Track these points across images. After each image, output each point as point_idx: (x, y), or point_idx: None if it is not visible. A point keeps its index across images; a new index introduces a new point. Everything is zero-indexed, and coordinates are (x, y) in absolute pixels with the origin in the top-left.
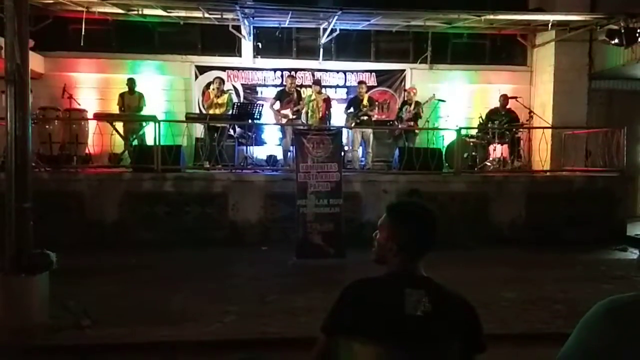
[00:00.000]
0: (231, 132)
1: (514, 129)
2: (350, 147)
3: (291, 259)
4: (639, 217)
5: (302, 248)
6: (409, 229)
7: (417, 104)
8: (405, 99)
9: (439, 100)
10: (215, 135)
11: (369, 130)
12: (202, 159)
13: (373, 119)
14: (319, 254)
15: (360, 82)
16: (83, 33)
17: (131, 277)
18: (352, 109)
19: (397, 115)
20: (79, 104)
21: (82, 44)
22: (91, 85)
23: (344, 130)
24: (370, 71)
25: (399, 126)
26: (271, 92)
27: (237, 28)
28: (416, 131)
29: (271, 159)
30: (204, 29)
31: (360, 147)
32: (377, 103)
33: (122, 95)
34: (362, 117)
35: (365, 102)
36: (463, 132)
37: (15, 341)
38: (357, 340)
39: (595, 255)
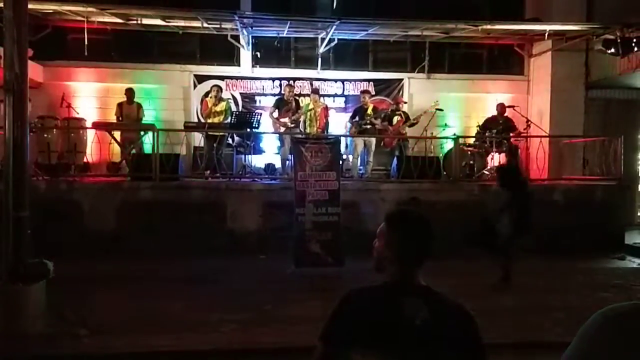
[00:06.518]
0: (230, 140)
1: (512, 138)
2: (352, 155)
3: (289, 267)
4: (636, 226)
5: (301, 257)
6: (405, 237)
7: (406, 115)
8: (394, 108)
9: (438, 109)
10: (214, 144)
11: (373, 139)
12: (201, 167)
13: (377, 127)
14: (317, 262)
15: (364, 92)
16: (83, 43)
17: (129, 286)
18: (357, 118)
19: (390, 123)
20: (78, 113)
21: (81, 54)
22: (90, 95)
23: (343, 139)
24: (368, 80)
25: (392, 135)
26: (270, 101)
27: (236, 38)
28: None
29: (269, 168)
30: (202, 38)
31: (358, 158)
32: (382, 112)
33: (120, 105)
34: (365, 126)
35: (369, 111)
36: (461, 140)
37: (12, 350)
38: (355, 350)
39: (593, 263)
